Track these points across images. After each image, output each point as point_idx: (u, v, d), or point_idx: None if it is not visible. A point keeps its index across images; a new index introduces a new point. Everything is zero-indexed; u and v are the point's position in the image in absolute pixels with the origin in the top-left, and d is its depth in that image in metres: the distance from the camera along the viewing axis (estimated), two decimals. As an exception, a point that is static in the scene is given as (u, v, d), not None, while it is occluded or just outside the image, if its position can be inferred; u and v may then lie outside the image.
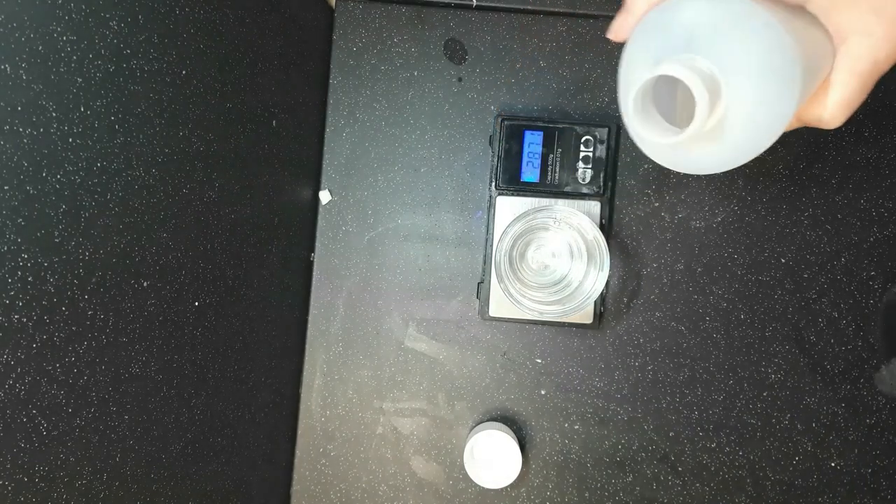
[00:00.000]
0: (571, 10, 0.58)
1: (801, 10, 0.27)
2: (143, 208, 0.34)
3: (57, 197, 0.27)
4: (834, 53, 0.27)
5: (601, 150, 0.55)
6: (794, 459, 0.57)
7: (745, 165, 0.60)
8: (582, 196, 0.55)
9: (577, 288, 0.52)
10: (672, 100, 0.30)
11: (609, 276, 0.50)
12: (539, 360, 0.59)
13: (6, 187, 0.25)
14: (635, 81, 0.26)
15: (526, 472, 0.59)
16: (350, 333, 0.60)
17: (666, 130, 0.28)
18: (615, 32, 0.30)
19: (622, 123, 0.30)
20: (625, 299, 0.58)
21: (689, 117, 0.26)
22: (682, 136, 0.26)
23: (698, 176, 0.58)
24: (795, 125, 0.30)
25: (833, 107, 0.28)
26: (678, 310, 0.58)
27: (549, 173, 0.55)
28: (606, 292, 0.58)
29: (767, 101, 0.26)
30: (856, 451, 0.57)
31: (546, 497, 0.59)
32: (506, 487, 0.57)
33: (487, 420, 0.59)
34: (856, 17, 0.26)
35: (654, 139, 0.28)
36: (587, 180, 0.55)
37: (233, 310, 0.46)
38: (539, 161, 0.55)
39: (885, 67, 0.27)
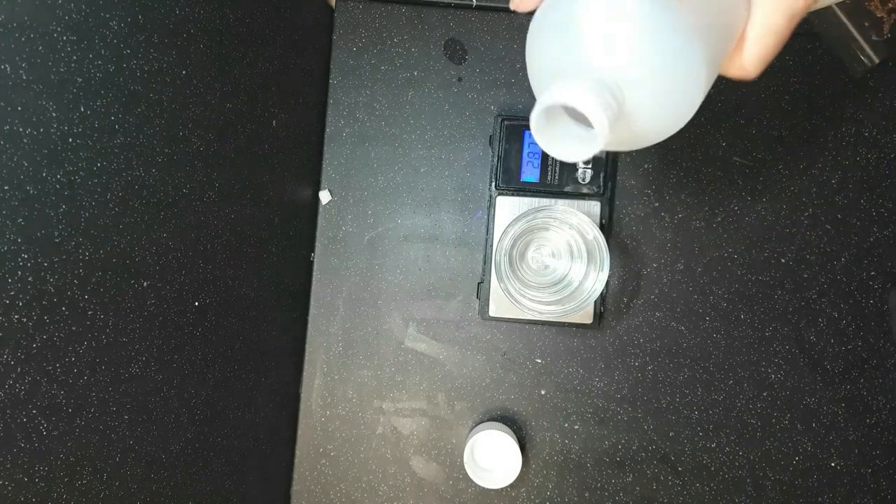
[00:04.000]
0: (571, 10, 0.58)
1: None
2: (143, 208, 0.34)
3: (57, 197, 0.27)
4: (749, 5, 0.27)
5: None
6: (794, 459, 0.57)
7: (745, 165, 0.60)
8: (582, 196, 0.55)
9: (577, 288, 0.52)
10: None
11: (609, 276, 0.50)
12: (539, 360, 0.59)
13: (6, 187, 0.25)
14: (538, 101, 0.26)
15: (526, 472, 0.59)
16: (350, 333, 0.60)
17: (572, 141, 0.27)
18: (515, 5, 0.30)
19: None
20: (625, 299, 0.58)
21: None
22: (587, 153, 0.26)
23: (698, 176, 0.58)
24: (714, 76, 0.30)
25: (749, 63, 0.28)
26: (678, 310, 0.58)
27: (549, 173, 0.55)
28: (606, 292, 0.58)
29: (673, 91, 0.26)
30: (856, 451, 0.57)
31: (546, 497, 0.59)
32: (506, 487, 0.57)
33: (487, 420, 0.59)
34: None
35: (560, 156, 0.27)
36: (587, 180, 0.55)
37: (233, 310, 0.46)
38: (539, 161, 0.55)
39: (801, 17, 0.27)
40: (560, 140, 0.27)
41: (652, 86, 0.25)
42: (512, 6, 0.29)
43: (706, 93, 0.26)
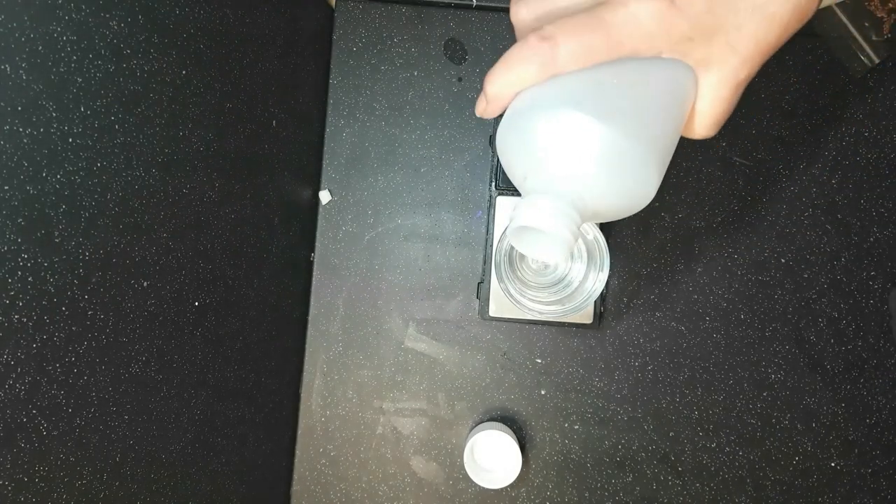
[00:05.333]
0: (571, 10, 0.58)
1: (657, 60, 0.27)
2: (143, 208, 0.34)
3: (57, 197, 0.27)
4: (696, 81, 0.28)
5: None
6: (794, 459, 0.57)
7: (745, 165, 0.60)
8: (582, 196, 0.55)
9: (577, 288, 0.52)
10: None
11: (609, 276, 0.50)
12: (539, 360, 0.59)
13: (6, 187, 0.25)
14: (513, 220, 0.29)
15: (526, 472, 0.59)
16: (350, 333, 0.60)
17: (546, 241, 0.30)
18: (480, 114, 0.32)
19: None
20: (625, 299, 0.58)
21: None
22: (558, 256, 0.29)
23: (698, 176, 0.58)
24: None
25: (703, 129, 0.30)
26: (678, 310, 0.58)
27: (549, 173, 0.55)
28: (606, 292, 0.58)
29: (629, 190, 0.28)
30: (856, 451, 0.57)
31: (546, 497, 0.59)
32: (506, 487, 0.57)
33: (487, 420, 0.59)
34: (712, 52, 0.27)
35: (539, 258, 0.31)
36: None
37: (233, 310, 0.46)
38: (539, 161, 0.55)
39: (747, 83, 0.28)
40: (535, 242, 0.30)
41: (610, 190, 0.28)
42: (478, 113, 0.31)
43: (661, 179, 0.28)
